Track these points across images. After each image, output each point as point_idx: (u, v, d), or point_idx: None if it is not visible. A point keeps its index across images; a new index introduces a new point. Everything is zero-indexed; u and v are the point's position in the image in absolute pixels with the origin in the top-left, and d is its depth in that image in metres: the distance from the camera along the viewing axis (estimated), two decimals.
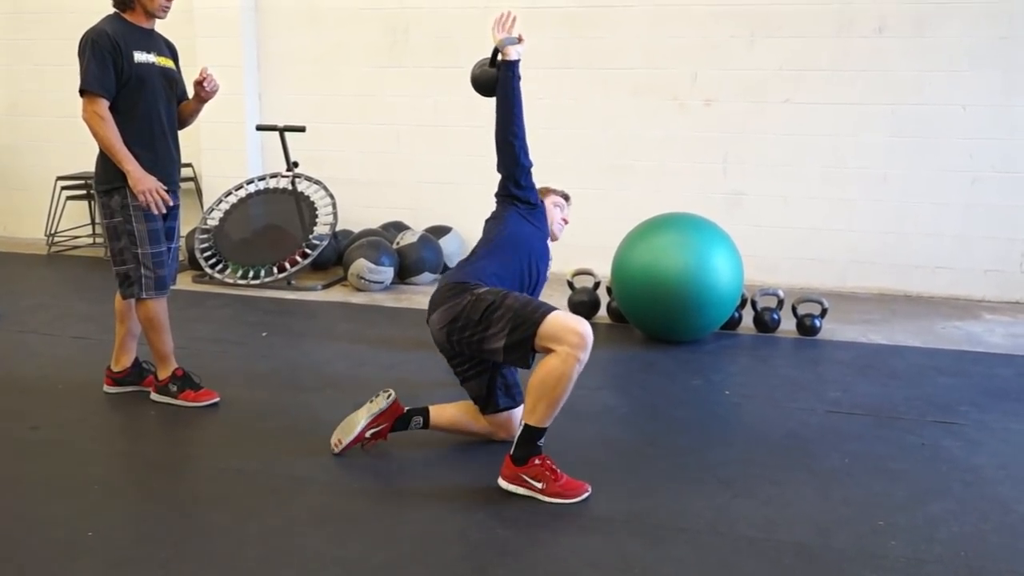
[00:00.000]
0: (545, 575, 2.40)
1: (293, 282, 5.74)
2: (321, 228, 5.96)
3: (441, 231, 6.15)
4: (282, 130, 5.98)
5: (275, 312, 5.20)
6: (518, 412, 3.11)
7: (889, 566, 2.43)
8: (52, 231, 6.84)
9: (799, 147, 5.79)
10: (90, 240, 6.98)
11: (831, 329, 4.80)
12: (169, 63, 3.54)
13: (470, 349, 2.89)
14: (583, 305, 4.95)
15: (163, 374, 3.62)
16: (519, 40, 3.15)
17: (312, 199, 6.05)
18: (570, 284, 5.07)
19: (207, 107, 3.67)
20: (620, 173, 6.10)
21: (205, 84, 3.54)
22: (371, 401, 3.12)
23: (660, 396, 3.85)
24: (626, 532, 2.60)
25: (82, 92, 3.32)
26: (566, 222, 3.38)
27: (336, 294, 5.66)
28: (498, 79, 3.13)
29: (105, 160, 3.40)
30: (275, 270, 5.74)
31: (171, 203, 3.48)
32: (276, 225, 6.01)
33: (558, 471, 2.79)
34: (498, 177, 3.19)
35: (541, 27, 5.96)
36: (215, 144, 6.65)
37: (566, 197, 3.41)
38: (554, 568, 2.43)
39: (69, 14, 6.69)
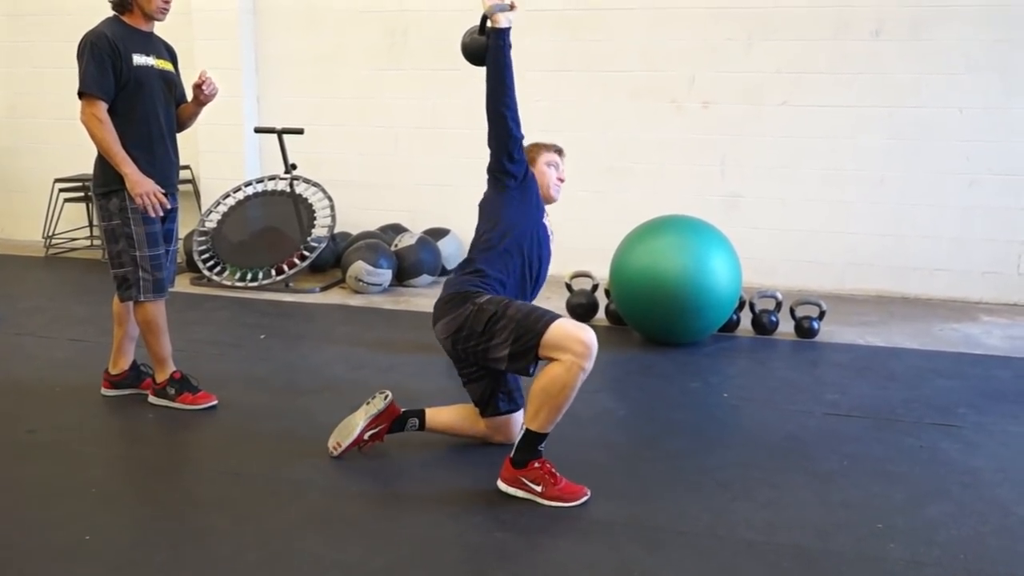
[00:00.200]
0: None
1: (291, 284, 5.74)
2: (319, 230, 5.96)
3: (439, 233, 6.15)
4: (280, 132, 5.98)
5: (273, 315, 5.19)
6: (517, 416, 3.12)
7: (888, 569, 2.43)
8: (50, 233, 6.83)
9: (797, 149, 5.79)
10: (88, 242, 6.96)
11: (829, 331, 4.80)
12: (168, 66, 3.54)
13: (475, 358, 2.90)
14: (581, 307, 4.95)
15: (161, 377, 3.61)
16: (511, 7, 2.97)
17: (310, 201, 6.04)
18: (568, 286, 5.07)
19: (205, 109, 3.67)
20: (618, 175, 6.10)
21: (204, 87, 3.54)
22: (368, 403, 3.12)
23: (658, 399, 3.85)
24: (625, 535, 2.60)
25: (80, 95, 3.32)
26: (562, 181, 3.20)
27: (334, 296, 5.65)
28: (488, 48, 2.97)
29: (103, 163, 3.39)
30: (273, 272, 5.74)
31: (169, 206, 3.47)
32: (274, 227, 6.01)
33: (557, 475, 2.79)
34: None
35: (539, 30, 5.97)
36: (213, 146, 6.64)
37: (559, 151, 3.22)
38: (553, 571, 2.43)
39: (67, 16, 6.69)
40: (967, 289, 5.65)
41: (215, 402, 3.61)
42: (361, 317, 5.18)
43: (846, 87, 5.65)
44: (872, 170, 5.70)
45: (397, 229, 6.29)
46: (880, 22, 5.55)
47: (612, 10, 5.95)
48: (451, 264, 6.11)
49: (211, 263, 5.86)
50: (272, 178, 6.19)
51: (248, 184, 6.23)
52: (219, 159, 6.66)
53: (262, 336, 4.71)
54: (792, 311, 4.77)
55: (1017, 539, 2.61)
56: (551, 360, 2.71)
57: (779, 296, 4.82)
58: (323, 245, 5.88)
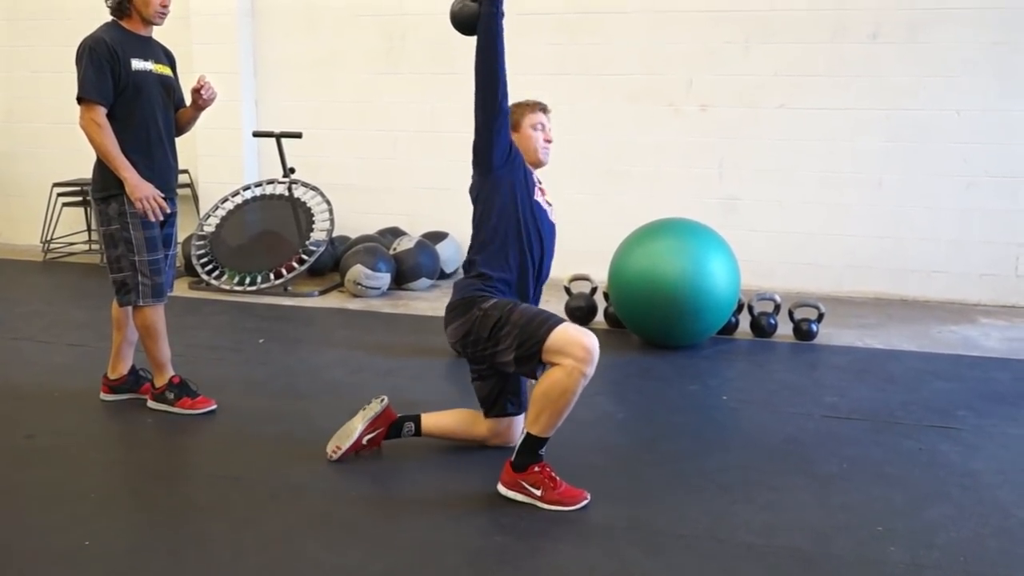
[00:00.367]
0: None
1: (290, 288, 5.74)
2: (318, 234, 5.96)
3: (438, 237, 6.15)
4: (279, 136, 5.98)
5: (272, 318, 5.19)
6: (518, 420, 3.13)
7: (888, 572, 2.43)
8: (48, 238, 6.82)
9: (794, 152, 5.80)
10: (86, 247, 6.96)
11: (827, 334, 4.80)
12: (167, 70, 3.54)
13: (484, 361, 2.95)
14: (580, 310, 4.95)
15: (160, 381, 3.61)
16: None
17: (309, 205, 6.04)
18: (567, 289, 5.07)
19: (204, 113, 3.67)
20: (616, 178, 6.10)
21: (203, 92, 3.54)
22: (364, 408, 3.13)
23: (657, 402, 3.85)
24: (624, 539, 2.60)
25: (79, 100, 3.32)
26: (549, 142, 3.08)
27: (333, 300, 5.65)
28: (479, 15, 2.81)
29: (102, 167, 3.39)
30: (272, 276, 5.73)
31: (168, 210, 3.48)
32: (273, 231, 6.00)
33: (557, 478, 2.79)
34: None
35: (537, 33, 5.98)
36: (212, 150, 6.64)
37: (544, 109, 3.07)
38: (553, 575, 2.43)
39: (66, 20, 6.68)
40: (965, 291, 5.66)
41: (214, 406, 3.60)
42: (360, 321, 5.18)
43: (844, 90, 5.66)
44: (870, 172, 5.71)
45: (395, 232, 6.29)
46: (878, 25, 5.56)
47: (610, 13, 5.96)
48: (450, 268, 6.11)
49: (210, 267, 5.86)
50: (271, 182, 6.19)
51: (246, 188, 6.23)
52: (218, 163, 6.65)
53: (261, 340, 4.71)
54: (791, 313, 4.77)
55: (1017, 541, 2.61)
56: (553, 364, 2.72)
57: (778, 298, 4.83)
58: (321, 249, 5.88)
